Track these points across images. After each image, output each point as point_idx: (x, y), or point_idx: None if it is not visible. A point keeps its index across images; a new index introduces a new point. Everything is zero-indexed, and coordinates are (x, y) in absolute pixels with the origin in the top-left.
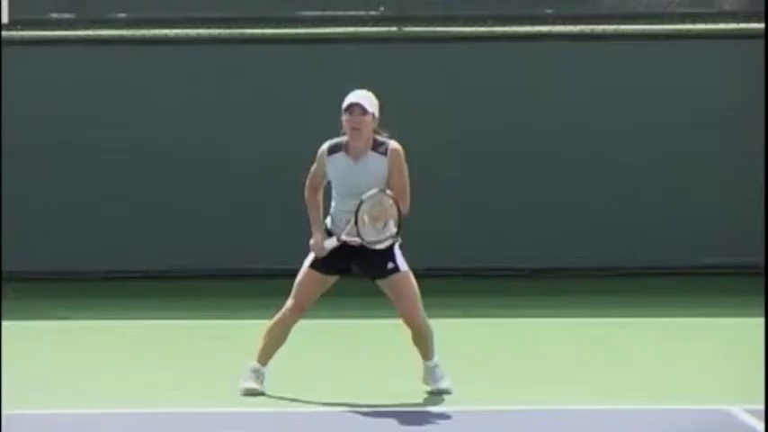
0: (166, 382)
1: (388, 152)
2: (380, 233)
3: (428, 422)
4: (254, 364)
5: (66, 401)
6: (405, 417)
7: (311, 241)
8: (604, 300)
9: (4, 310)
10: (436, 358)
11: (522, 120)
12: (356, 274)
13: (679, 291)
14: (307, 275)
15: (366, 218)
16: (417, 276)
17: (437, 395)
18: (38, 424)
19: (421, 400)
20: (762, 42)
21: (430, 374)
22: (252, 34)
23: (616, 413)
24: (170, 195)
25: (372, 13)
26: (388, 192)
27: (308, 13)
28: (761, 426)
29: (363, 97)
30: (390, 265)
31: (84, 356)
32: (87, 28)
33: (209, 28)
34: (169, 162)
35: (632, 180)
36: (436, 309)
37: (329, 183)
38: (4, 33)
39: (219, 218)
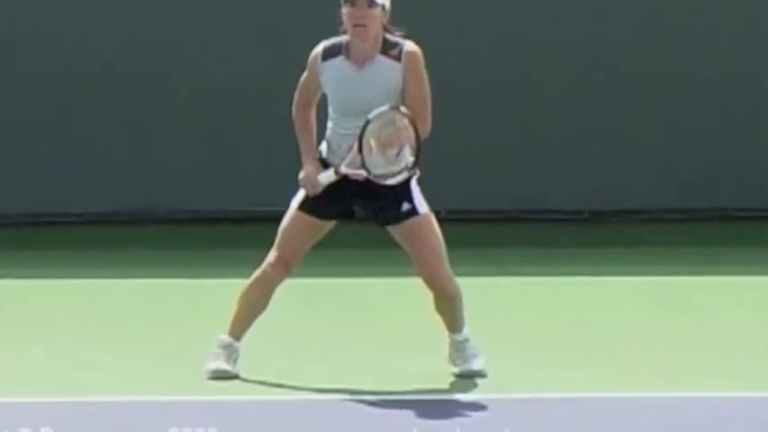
0: (107, 361)
1: (403, 56)
2: (392, 164)
3: (455, 414)
4: (225, 337)
5: None
6: (424, 407)
7: (301, 174)
8: (684, 252)
9: None
10: (466, 330)
11: (586, 33)
12: (360, 218)
13: None
14: (295, 220)
15: (374, 143)
16: (439, 221)
17: (467, 379)
18: None
19: (446, 386)
20: None
21: (458, 352)
22: None
23: (693, 404)
24: (113, 121)
25: None
26: (403, 109)
27: None
28: None
29: None
30: (406, 207)
31: (3, 326)
32: None
33: None
34: (111, 81)
35: (725, 104)
36: (463, 265)
37: (325, 97)
38: None
39: (178, 146)
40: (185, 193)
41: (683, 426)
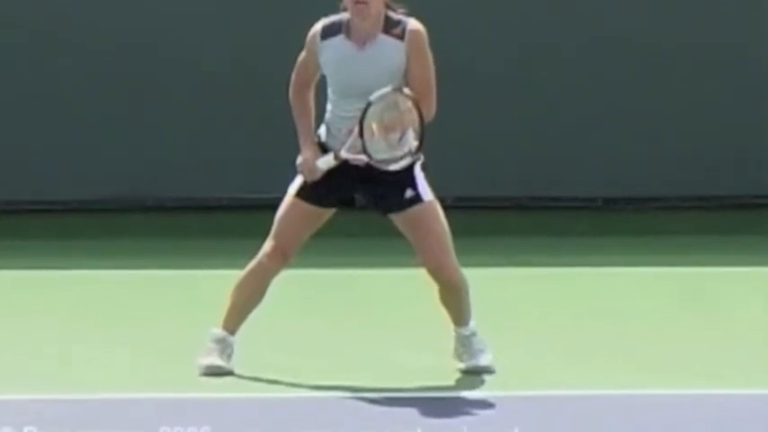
0: (94, 356)
1: (406, 35)
2: (395, 148)
3: (461, 412)
4: (219, 331)
5: None
6: (428, 405)
7: (299, 159)
8: (701, 241)
9: None
10: (473, 324)
11: (601, 12)
12: (361, 205)
13: None
14: (292, 208)
15: (375, 127)
16: (445, 209)
17: (473, 375)
18: None
19: (451, 382)
20: None
21: (464, 346)
22: None
23: (710, 402)
24: (100, 104)
25: None
26: (406, 90)
27: None
28: None
29: None
30: (409, 194)
31: None
32: None
33: None
34: (98, 62)
35: (744, 88)
36: (470, 255)
37: (324, 78)
38: None
39: (168, 129)
40: (176, 179)
41: (701, 424)
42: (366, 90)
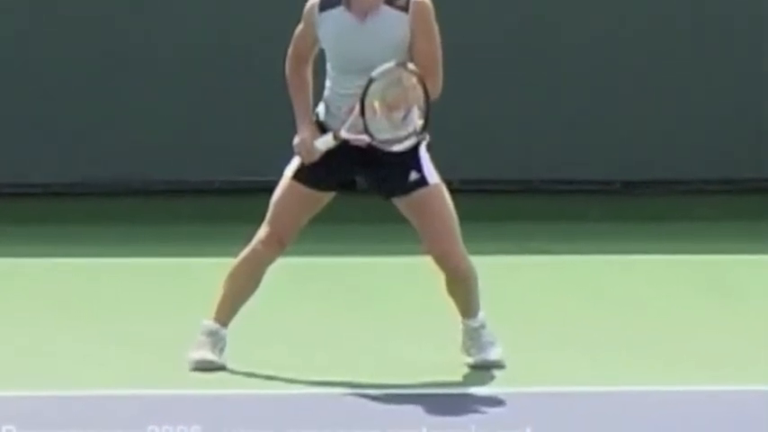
0: (76, 350)
1: (411, 6)
2: (399, 128)
3: (469, 410)
4: (210, 323)
5: None
6: (434, 402)
7: (296, 139)
8: (726, 227)
9: None
10: (482, 315)
11: None
12: (362, 189)
13: None
14: (289, 191)
15: (378, 105)
16: (452, 192)
17: (482, 370)
18: None
19: (459, 378)
20: None
21: (472, 340)
22: None
23: (736, 397)
24: (82, 80)
25: None
26: (411, 66)
27: None
28: None
29: None
30: (414, 176)
31: None
32: None
33: None
34: (80, 34)
35: None
36: (479, 241)
37: (322, 53)
38: None
39: (156, 107)
40: (165, 161)
41: (723, 422)
42: (367, 65)
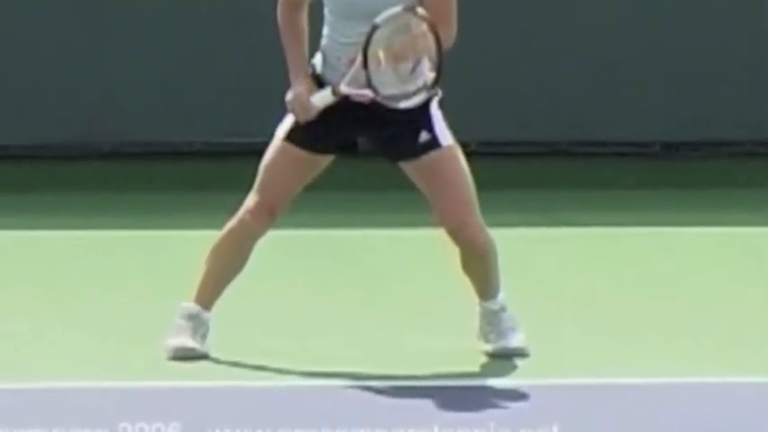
0: (39, 336)
1: None
2: (407, 82)
3: (488, 404)
4: (191, 305)
5: None
6: (447, 396)
7: (289, 94)
8: None
9: None
10: (502, 297)
11: None
12: (365, 151)
13: None
14: (281, 155)
15: (383, 55)
16: (468, 156)
17: (502, 359)
18: None
19: (476, 368)
20: None
21: (491, 324)
22: None
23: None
24: (44, 29)
25: None
26: (420, 11)
27: None
28: None
29: None
30: (424, 137)
31: None
32: None
33: None
34: None
35: None
36: (500, 212)
37: None
38: None
39: (128, 59)
40: (138, 120)
41: None
42: (371, 10)
